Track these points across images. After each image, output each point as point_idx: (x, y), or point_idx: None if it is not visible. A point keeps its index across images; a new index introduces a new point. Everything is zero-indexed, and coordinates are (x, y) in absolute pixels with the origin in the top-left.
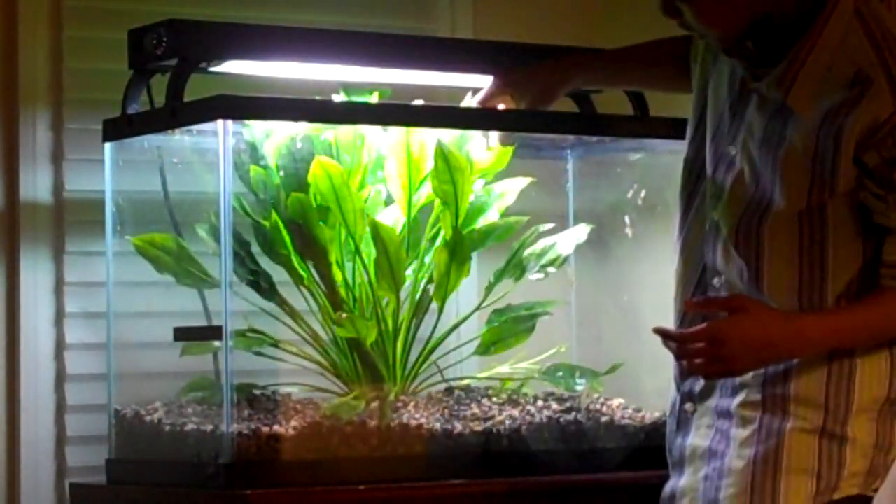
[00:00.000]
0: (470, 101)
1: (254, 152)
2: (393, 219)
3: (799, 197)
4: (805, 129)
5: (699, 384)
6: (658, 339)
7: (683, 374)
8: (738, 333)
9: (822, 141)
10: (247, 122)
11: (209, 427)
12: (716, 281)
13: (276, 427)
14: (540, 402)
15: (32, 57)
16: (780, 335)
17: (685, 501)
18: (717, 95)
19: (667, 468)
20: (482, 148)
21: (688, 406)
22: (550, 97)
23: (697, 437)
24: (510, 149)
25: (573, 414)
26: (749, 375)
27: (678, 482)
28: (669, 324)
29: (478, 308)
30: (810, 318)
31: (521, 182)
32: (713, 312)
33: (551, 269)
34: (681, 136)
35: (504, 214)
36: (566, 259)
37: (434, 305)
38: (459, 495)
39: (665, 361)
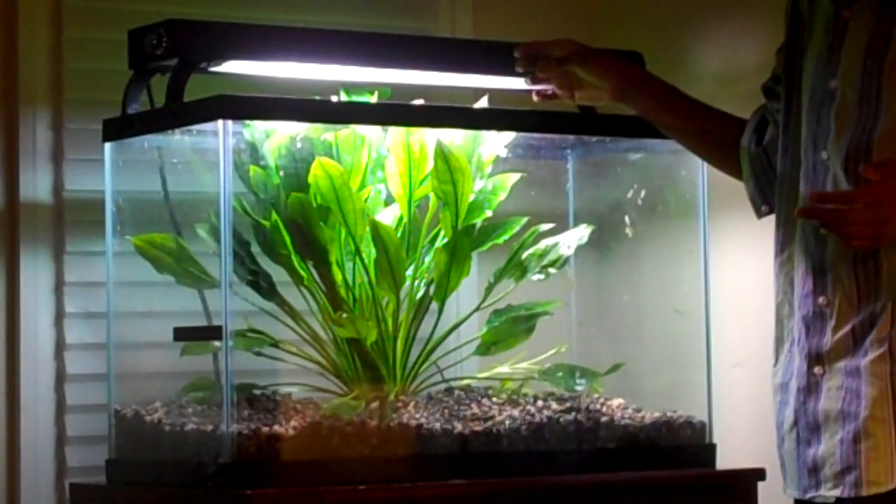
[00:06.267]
0: (484, 103)
1: (254, 152)
2: (393, 218)
3: None
4: None
5: (827, 345)
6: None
7: (809, 336)
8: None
9: None
10: (247, 122)
11: (209, 427)
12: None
13: (276, 427)
14: (540, 402)
15: (32, 57)
16: None
17: (826, 469)
18: (814, 47)
19: (668, 468)
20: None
21: (816, 369)
22: (600, 99)
23: (829, 401)
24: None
25: (573, 414)
26: (874, 334)
27: (818, 450)
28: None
29: (478, 308)
30: None
31: (513, 177)
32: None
33: (552, 270)
34: None
35: (495, 209)
36: (567, 259)
37: (434, 305)
38: (459, 495)
39: (665, 361)
